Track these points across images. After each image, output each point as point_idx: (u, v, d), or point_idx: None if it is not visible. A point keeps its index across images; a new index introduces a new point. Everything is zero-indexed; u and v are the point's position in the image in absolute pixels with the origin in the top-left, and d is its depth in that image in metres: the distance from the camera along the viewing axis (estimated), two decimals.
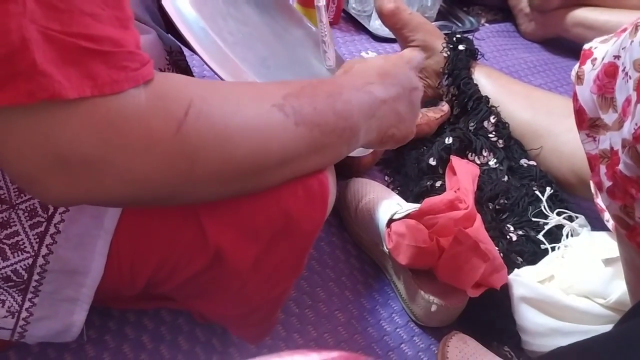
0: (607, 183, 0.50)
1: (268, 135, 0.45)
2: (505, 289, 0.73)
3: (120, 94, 0.36)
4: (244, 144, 0.43)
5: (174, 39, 0.64)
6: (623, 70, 0.48)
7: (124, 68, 0.36)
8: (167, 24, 0.66)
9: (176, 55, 0.62)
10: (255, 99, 0.46)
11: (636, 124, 0.44)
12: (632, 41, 0.47)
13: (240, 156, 0.43)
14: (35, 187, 0.37)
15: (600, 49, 0.55)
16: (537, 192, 0.89)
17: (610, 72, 0.50)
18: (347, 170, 0.92)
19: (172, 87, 0.40)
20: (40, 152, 0.35)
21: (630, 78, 0.47)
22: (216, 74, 0.55)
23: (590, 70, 0.54)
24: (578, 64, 0.56)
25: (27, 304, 0.50)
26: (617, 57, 0.50)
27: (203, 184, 0.42)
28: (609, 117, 0.51)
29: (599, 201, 0.72)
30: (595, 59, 0.54)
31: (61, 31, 0.33)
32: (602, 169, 0.51)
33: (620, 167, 0.47)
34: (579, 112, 0.54)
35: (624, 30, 0.50)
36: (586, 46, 0.57)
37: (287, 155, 0.47)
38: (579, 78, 0.55)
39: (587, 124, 0.54)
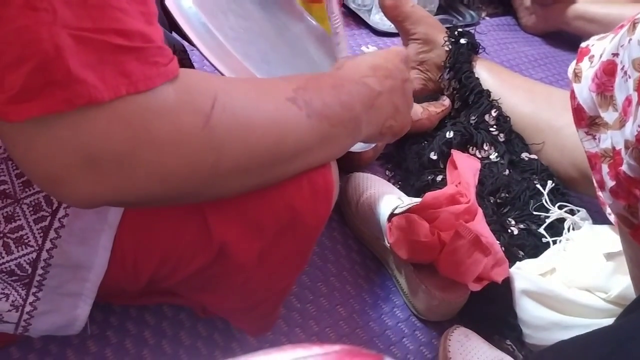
0: (610, 183, 0.50)
1: (285, 127, 0.45)
2: (507, 282, 0.74)
3: (152, 90, 0.36)
4: (265, 136, 0.43)
5: (177, 37, 0.64)
6: (622, 69, 0.48)
7: (156, 63, 0.36)
8: (169, 22, 0.66)
9: (179, 54, 0.62)
10: (270, 92, 0.46)
11: (639, 126, 0.44)
12: (631, 39, 0.46)
13: (261, 149, 0.44)
14: (62, 188, 0.36)
15: (597, 47, 0.54)
16: (539, 186, 0.89)
17: (609, 70, 0.50)
18: (348, 164, 0.92)
19: (196, 82, 0.40)
20: (69, 151, 0.34)
21: (629, 77, 0.46)
22: (217, 69, 0.55)
23: (588, 68, 0.53)
24: (575, 62, 0.56)
25: (31, 298, 0.50)
26: (616, 54, 0.49)
27: (226, 178, 0.43)
28: (609, 116, 0.50)
29: (602, 194, 0.72)
30: (593, 56, 0.54)
31: (93, 29, 0.33)
32: (604, 168, 0.51)
33: (624, 168, 0.47)
34: (577, 110, 0.54)
35: (621, 27, 0.50)
36: (583, 44, 0.57)
37: (301, 147, 0.47)
38: (577, 76, 0.55)
39: (587, 122, 0.53)
